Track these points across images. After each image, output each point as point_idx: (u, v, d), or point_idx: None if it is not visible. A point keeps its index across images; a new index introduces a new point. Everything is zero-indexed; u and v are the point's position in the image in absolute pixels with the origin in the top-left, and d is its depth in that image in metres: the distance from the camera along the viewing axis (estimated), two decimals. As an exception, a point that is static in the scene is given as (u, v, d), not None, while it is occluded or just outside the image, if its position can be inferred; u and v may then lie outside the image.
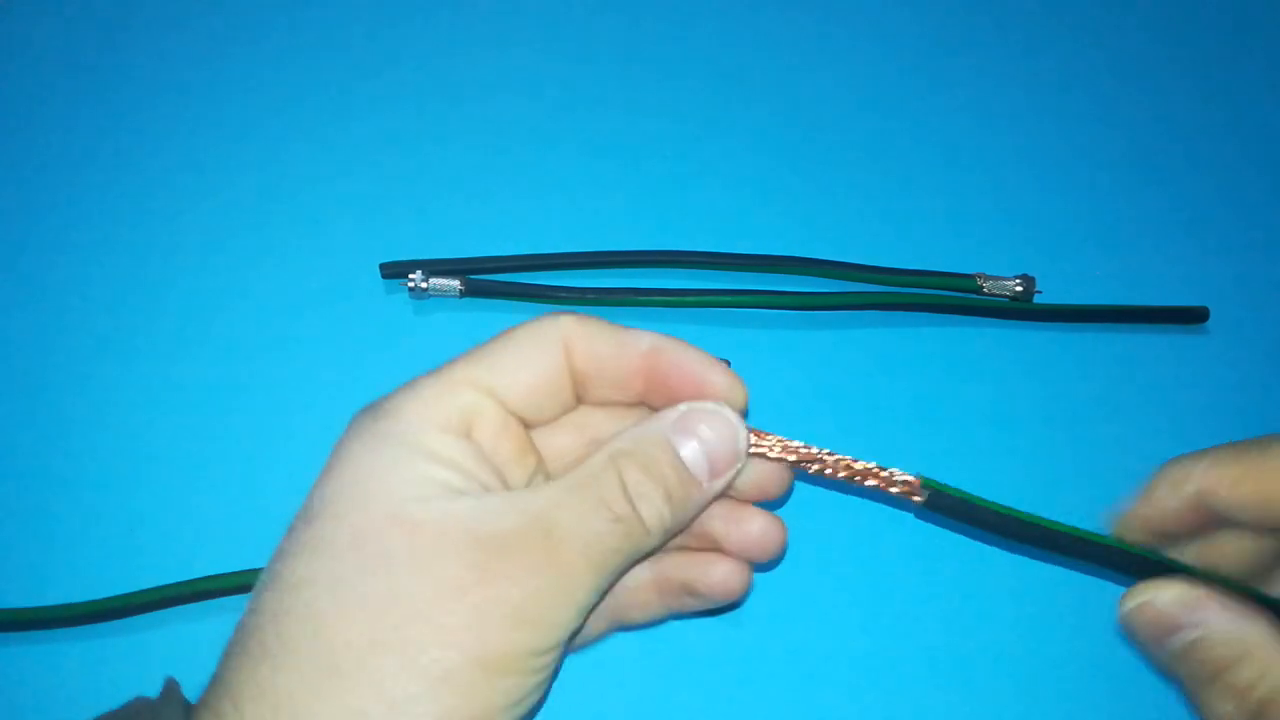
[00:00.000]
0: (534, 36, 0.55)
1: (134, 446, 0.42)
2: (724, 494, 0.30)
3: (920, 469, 0.43)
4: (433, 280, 0.45)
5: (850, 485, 0.30)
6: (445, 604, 0.25)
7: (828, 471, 0.30)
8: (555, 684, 0.28)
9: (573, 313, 0.30)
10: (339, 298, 0.46)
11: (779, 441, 0.30)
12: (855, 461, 0.30)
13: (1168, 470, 0.30)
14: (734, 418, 0.29)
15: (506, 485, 0.29)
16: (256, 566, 0.39)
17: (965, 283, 0.47)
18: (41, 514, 0.41)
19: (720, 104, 0.53)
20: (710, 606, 0.33)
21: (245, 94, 0.52)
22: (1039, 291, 0.47)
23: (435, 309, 0.47)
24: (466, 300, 0.46)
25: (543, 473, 0.31)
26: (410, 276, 0.46)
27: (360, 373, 0.44)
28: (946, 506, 0.30)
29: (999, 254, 0.48)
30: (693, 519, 0.29)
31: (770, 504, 0.32)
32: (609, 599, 0.32)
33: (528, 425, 0.30)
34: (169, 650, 0.38)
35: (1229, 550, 0.30)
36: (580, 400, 0.31)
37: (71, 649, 0.38)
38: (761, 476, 0.31)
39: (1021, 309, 0.47)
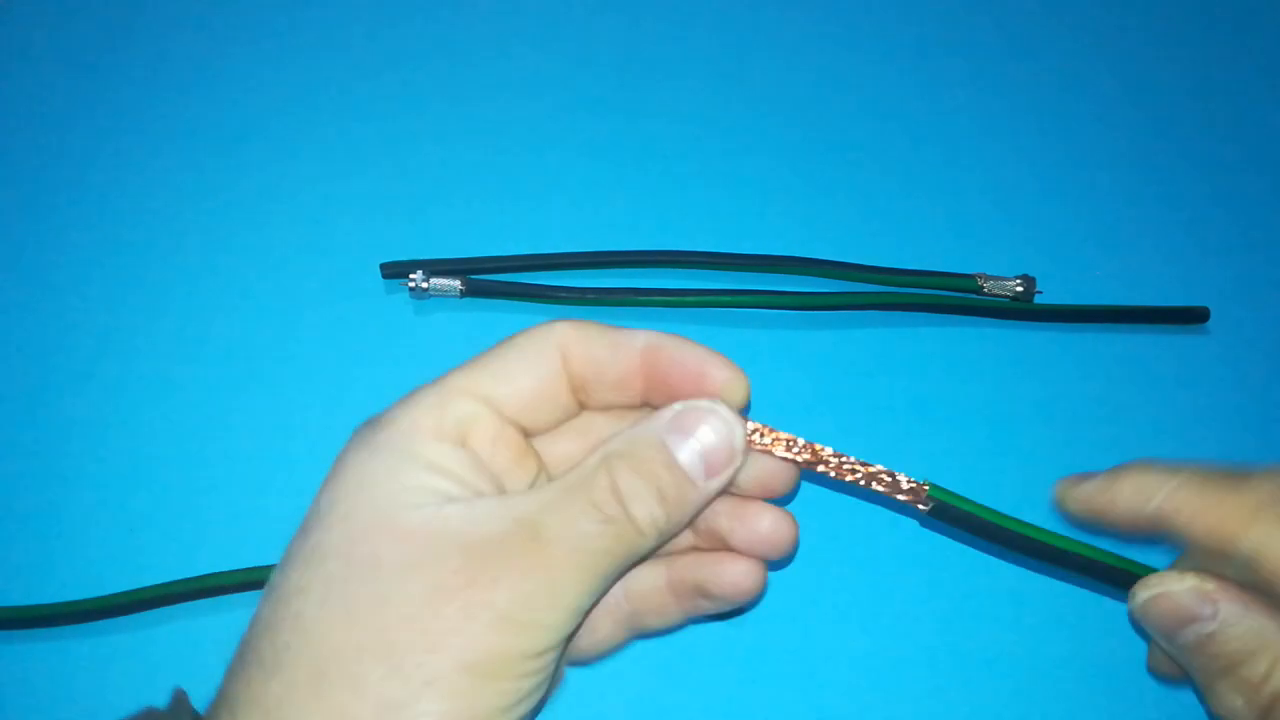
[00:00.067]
0: (534, 37, 0.55)
1: (136, 445, 0.42)
2: (723, 493, 0.29)
3: (920, 469, 0.43)
4: (433, 280, 0.45)
5: (854, 488, 0.30)
6: (432, 609, 0.25)
7: (832, 473, 0.30)
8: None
9: (568, 319, 0.30)
10: (339, 298, 0.46)
11: (782, 438, 0.30)
12: (860, 464, 0.30)
13: (1134, 474, 0.30)
14: (730, 415, 0.28)
15: (504, 492, 0.29)
16: (259, 564, 0.39)
17: (965, 283, 0.47)
18: (45, 512, 0.41)
19: (720, 104, 0.53)
20: (726, 608, 0.32)
21: (246, 94, 0.52)
22: (1039, 291, 0.47)
23: (435, 309, 0.47)
24: (466, 300, 0.46)
25: (545, 479, 0.31)
26: (410, 276, 0.46)
27: (360, 373, 0.44)
28: (952, 517, 0.30)
29: (999, 254, 0.48)
30: (691, 519, 0.29)
31: (779, 500, 0.32)
32: (625, 606, 0.32)
33: (528, 433, 0.30)
34: (172, 648, 0.38)
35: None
36: (583, 406, 0.31)
37: (75, 646, 0.38)
38: (765, 473, 0.30)
39: (1021, 309, 0.47)
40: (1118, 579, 0.29)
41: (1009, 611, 0.40)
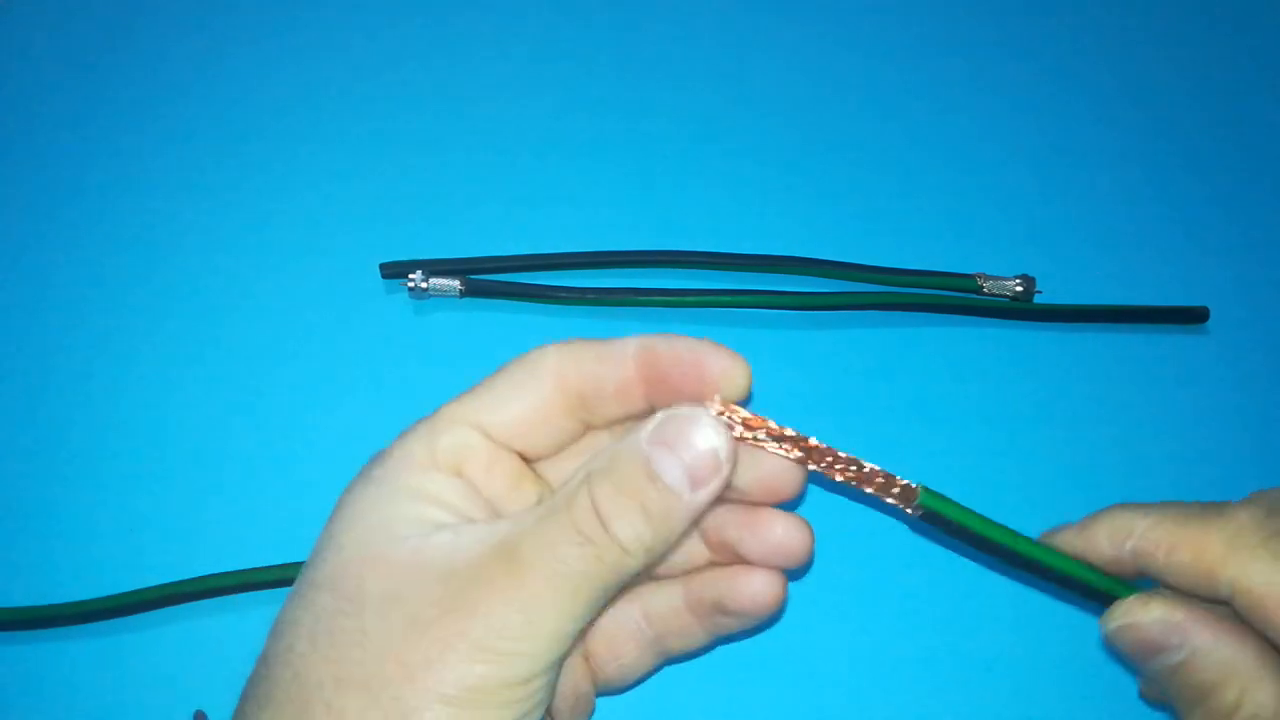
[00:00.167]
0: (534, 37, 0.55)
1: (137, 446, 0.42)
2: (716, 502, 0.28)
3: (920, 469, 0.43)
4: (433, 280, 0.45)
5: (844, 487, 0.29)
6: (409, 641, 0.25)
7: (823, 471, 0.29)
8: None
9: (557, 343, 0.29)
10: (339, 298, 0.46)
11: (774, 431, 0.28)
12: (852, 460, 0.29)
13: (1109, 517, 0.29)
14: (713, 422, 0.27)
15: (499, 517, 0.28)
16: (260, 564, 0.39)
17: (965, 283, 0.47)
18: (46, 513, 0.41)
19: (720, 104, 0.53)
20: (748, 624, 0.31)
21: (246, 94, 0.52)
22: (1039, 291, 0.47)
23: (435, 309, 0.47)
24: (466, 300, 0.46)
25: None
26: (410, 276, 0.46)
27: (360, 373, 0.44)
28: (942, 524, 0.29)
29: (999, 254, 0.48)
30: (681, 534, 0.27)
31: (788, 504, 0.31)
32: (647, 631, 0.32)
33: (529, 458, 0.30)
34: (174, 649, 0.38)
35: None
36: (590, 425, 0.30)
37: (77, 647, 0.38)
38: (768, 475, 0.29)
39: (1021, 309, 0.47)
40: (1103, 598, 0.29)
41: (1009, 613, 0.40)
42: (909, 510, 0.29)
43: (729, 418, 0.28)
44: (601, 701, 0.37)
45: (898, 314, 0.47)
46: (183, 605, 0.39)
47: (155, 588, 0.38)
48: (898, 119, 0.53)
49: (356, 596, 0.26)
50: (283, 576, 0.38)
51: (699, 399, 0.28)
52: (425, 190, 0.50)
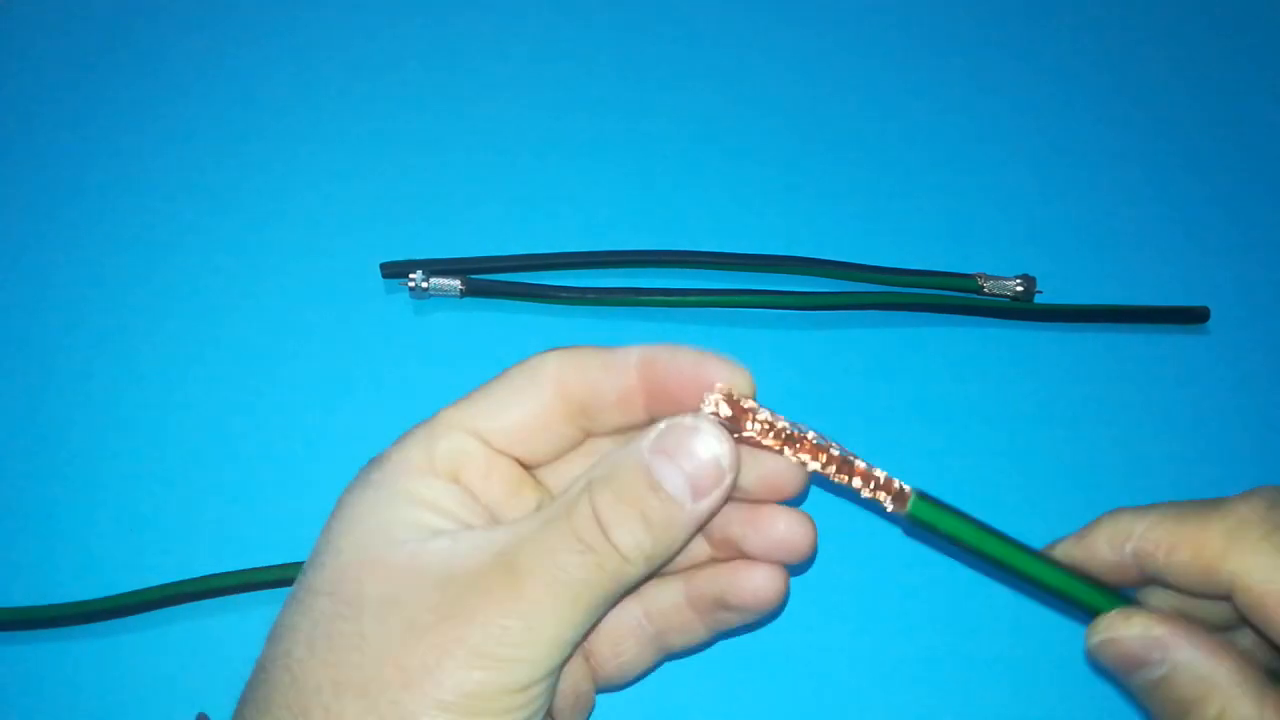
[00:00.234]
0: (534, 38, 0.55)
1: (137, 445, 0.42)
2: (716, 512, 0.28)
3: (921, 469, 0.43)
4: (433, 280, 0.45)
5: (840, 488, 0.29)
6: (407, 646, 0.25)
7: (822, 470, 0.28)
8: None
9: (560, 349, 0.29)
10: (339, 297, 0.46)
11: (772, 427, 0.28)
12: (848, 461, 0.28)
13: (1108, 522, 0.29)
14: (716, 432, 0.27)
15: (498, 523, 0.28)
16: (260, 564, 0.39)
17: (965, 283, 0.47)
18: (46, 513, 0.41)
19: (720, 104, 0.53)
20: (749, 619, 0.31)
21: (246, 95, 0.52)
22: (1039, 291, 0.47)
23: (435, 309, 0.47)
24: (466, 300, 0.46)
25: None
26: (410, 276, 0.45)
27: (361, 373, 0.44)
28: (932, 534, 0.29)
29: (999, 254, 0.48)
30: (683, 543, 0.27)
31: (791, 501, 0.31)
32: (648, 627, 0.32)
33: (528, 465, 0.30)
34: (175, 649, 0.38)
35: (1174, 605, 0.29)
36: (590, 432, 0.30)
37: (78, 647, 0.38)
38: (771, 474, 0.29)
39: (1022, 309, 0.47)
40: (1094, 613, 0.29)
41: (1010, 611, 0.40)
42: (899, 512, 0.29)
43: (727, 406, 0.27)
44: (601, 699, 0.37)
45: (898, 314, 0.47)
46: (183, 605, 0.39)
47: (156, 588, 0.38)
48: (898, 119, 0.53)
49: (354, 601, 0.26)
50: (283, 577, 0.38)
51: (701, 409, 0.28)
52: (425, 190, 0.50)
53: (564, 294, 0.46)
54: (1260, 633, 0.27)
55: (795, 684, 0.39)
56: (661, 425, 0.27)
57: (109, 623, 0.38)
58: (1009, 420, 0.45)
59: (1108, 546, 0.29)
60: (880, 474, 0.29)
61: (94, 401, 0.43)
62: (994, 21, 0.57)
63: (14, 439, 0.42)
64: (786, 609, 0.39)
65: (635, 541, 0.26)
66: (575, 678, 0.31)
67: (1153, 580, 0.29)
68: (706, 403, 0.28)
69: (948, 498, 0.42)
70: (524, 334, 0.46)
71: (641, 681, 0.37)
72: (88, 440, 0.42)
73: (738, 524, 0.30)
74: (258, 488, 0.41)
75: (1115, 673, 0.28)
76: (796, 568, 0.31)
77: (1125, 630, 0.27)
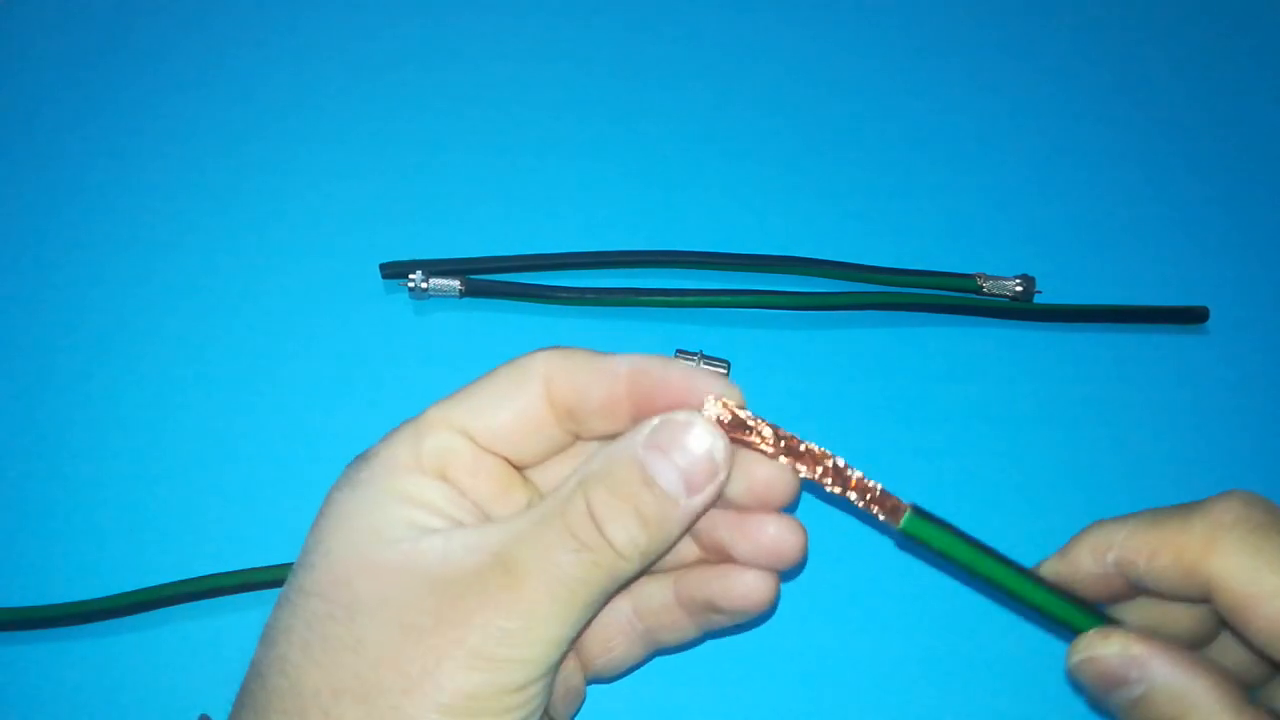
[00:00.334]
0: (534, 38, 0.55)
1: (136, 445, 0.42)
2: (709, 509, 0.28)
3: (920, 469, 0.43)
4: (433, 280, 0.45)
5: (834, 498, 0.29)
6: (405, 649, 0.25)
7: (816, 479, 0.28)
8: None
9: (552, 348, 0.29)
10: (338, 298, 0.46)
11: (767, 433, 0.28)
12: (843, 472, 0.28)
13: (1089, 535, 0.29)
14: (709, 428, 0.27)
15: (489, 521, 0.28)
16: (258, 565, 0.39)
17: (965, 283, 0.47)
18: (45, 514, 0.41)
19: (720, 104, 0.53)
20: (739, 620, 0.31)
21: (246, 95, 0.52)
22: (1039, 291, 0.47)
23: (435, 309, 0.47)
24: (466, 300, 0.46)
25: None
26: (410, 276, 0.46)
27: (361, 373, 0.44)
28: (926, 551, 0.29)
29: (999, 254, 0.48)
30: (676, 538, 0.28)
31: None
32: (638, 624, 0.32)
33: (517, 465, 0.30)
34: (174, 649, 0.38)
35: (1164, 614, 0.29)
36: (577, 436, 0.30)
37: (77, 648, 0.38)
38: (760, 484, 0.29)
39: (1021, 309, 0.47)
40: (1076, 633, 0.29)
41: (1003, 615, 0.40)
42: (892, 522, 0.29)
43: (726, 413, 0.27)
44: (591, 691, 0.37)
45: (898, 314, 0.47)
46: (182, 605, 0.39)
47: (155, 588, 0.38)
48: (898, 119, 0.53)
49: (348, 602, 0.25)
50: (282, 577, 0.38)
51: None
52: (425, 190, 0.50)
53: (563, 294, 0.46)
54: (1238, 634, 0.27)
55: (786, 680, 0.39)
56: (655, 421, 0.27)
57: (108, 623, 0.38)
58: (1009, 420, 0.45)
59: (1091, 559, 0.29)
60: (875, 486, 0.29)
61: (93, 401, 0.43)
62: (994, 21, 0.57)
63: (14, 439, 0.42)
64: (781, 605, 0.39)
65: (630, 537, 0.26)
66: (566, 671, 0.31)
67: (1138, 590, 0.29)
68: (706, 407, 0.27)
69: (947, 498, 0.42)
70: (523, 334, 0.46)
71: (631, 675, 0.37)
72: (87, 440, 0.42)
73: (726, 529, 0.30)
74: (257, 488, 0.41)
75: (1095, 692, 0.28)
76: (787, 572, 0.31)
77: (1103, 649, 0.27)
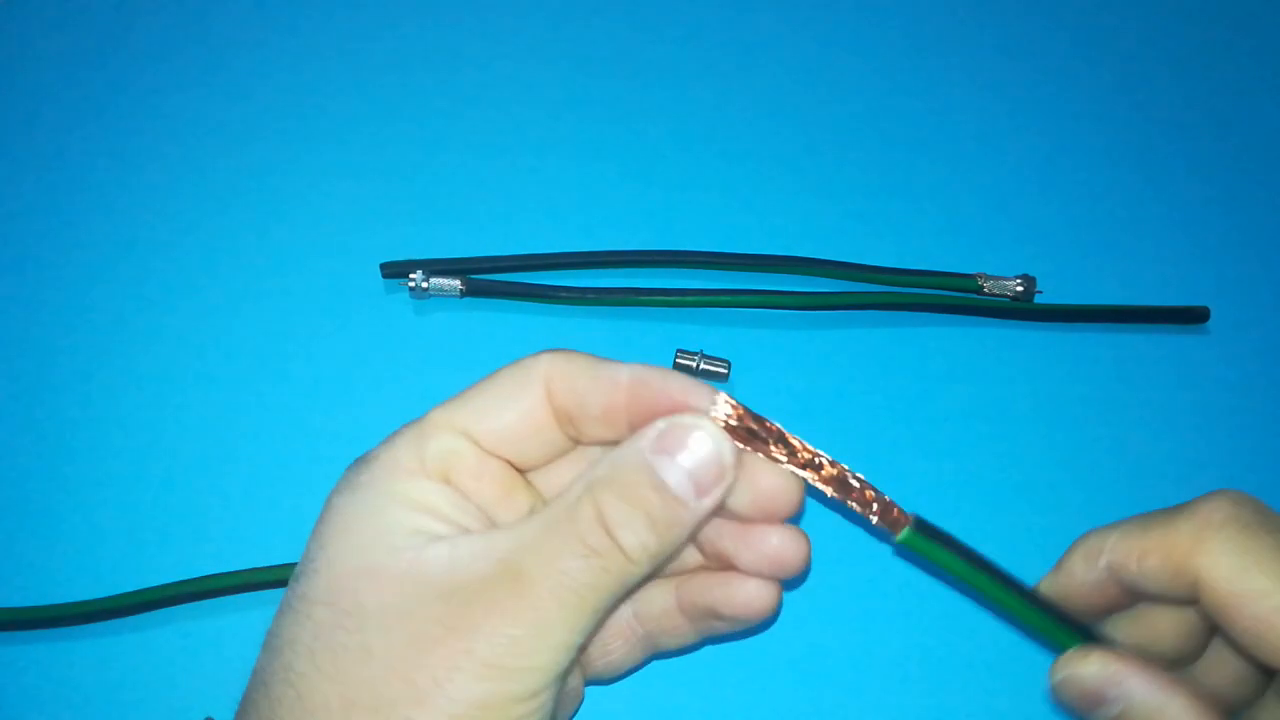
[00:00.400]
0: (535, 38, 0.55)
1: (137, 446, 0.42)
2: (716, 511, 0.28)
3: (920, 469, 0.43)
4: (433, 280, 0.45)
5: (830, 500, 0.29)
6: (415, 659, 0.24)
7: (819, 485, 0.28)
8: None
9: (555, 350, 0.29)
10: (339, 298, 0.46)
11: (773, 431, 0.28)
12: (844, 479, 0.28)
13: (1080, 545, 0.30)
14: (716, 430, 0.27)
15: (494, 526, 0.28)
16: (259, 565, 0.39)
17: (965, 283, 0.47)
18: (48, 513, 0.41)
19: (720, 104, 0.53)
20: (740, 627, 0.31)
21: (247, 95, 0.52)
22: (1039, 291, 0.47)
23: (435, 309, 0.47)
24: (466, 300, 0.46)
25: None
26: (410, 276, 0.46)
27: (361, 373, 0.44)
28: (919, 560, 0.29)
29: (999, 254, 0.48)
30: (685, 541, 0.28)
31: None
32: (638, 629, 0.32)
33: (519, 467, 0.30)
34: (174, 649, 0.38)
35: (1155, 626, 0.30)
36: (576, 440, 0.30)
37: (78, 648, 0.38)
38: (763, 496, 0.29)
39: (1022, 309, 0.47)
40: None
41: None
42: (891, 531, 0.29)
43: (733, 415, 0.27)
44: (589, 691, 0.37)
45: (898, 314, 0.47)
46: (184, 605, 0.39)
47: (156, 588, 0.38)
48: (898, 119, 0.53)
49: (355, 611, 0.25)
50: (283, 577, 0.38)
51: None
52: (425, 190, 0.50)
53: (563, 294, 0.46)
54: (1224, 634, 0.27)
55: (784, 680, 0.39)
56: (661, 425, 0.27)
57: (110, 623, 0.38)
58: (1009, 420, 0.45)
59: (1083, 567, 0.29)
60: (873, 493, 0.29)
61: (94, 401, 0.43)
62: (993, 21, 0.57)
63: (15, 439, 0.42)
64: (782, 608, 0.39)
65: (641, 541, 0.26)
66: None
67: (1134, 596, 0.29)
68: (713, 409, 0.27)
69: (947, 498, 0.42)
70: (524, 334, 0.46)
71: (629, 677, 0.37)
72: (88, 440, 0.42)
73: (730, 538, 0.30)
74: (258, 488, 0.41)
75: (1076, 711, 0.28)
76: (790, 581, 0.31)
77: (1082, 668, 0.27)
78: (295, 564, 0.38)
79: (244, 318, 0.46)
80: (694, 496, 0.27)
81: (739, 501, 0.29)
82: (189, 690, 0.37)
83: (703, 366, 0.44)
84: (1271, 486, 0.43)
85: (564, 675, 0.26)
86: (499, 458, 0.29)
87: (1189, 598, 0.27)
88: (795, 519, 0.30)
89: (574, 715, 0.33)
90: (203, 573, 0.39)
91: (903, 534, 0.28)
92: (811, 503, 0.40)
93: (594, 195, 0.50)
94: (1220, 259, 0.50)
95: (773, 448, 0.28)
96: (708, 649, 0.38)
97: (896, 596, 0.40)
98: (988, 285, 0.47)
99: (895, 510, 0.28)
